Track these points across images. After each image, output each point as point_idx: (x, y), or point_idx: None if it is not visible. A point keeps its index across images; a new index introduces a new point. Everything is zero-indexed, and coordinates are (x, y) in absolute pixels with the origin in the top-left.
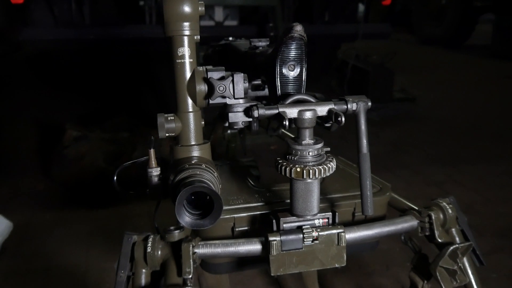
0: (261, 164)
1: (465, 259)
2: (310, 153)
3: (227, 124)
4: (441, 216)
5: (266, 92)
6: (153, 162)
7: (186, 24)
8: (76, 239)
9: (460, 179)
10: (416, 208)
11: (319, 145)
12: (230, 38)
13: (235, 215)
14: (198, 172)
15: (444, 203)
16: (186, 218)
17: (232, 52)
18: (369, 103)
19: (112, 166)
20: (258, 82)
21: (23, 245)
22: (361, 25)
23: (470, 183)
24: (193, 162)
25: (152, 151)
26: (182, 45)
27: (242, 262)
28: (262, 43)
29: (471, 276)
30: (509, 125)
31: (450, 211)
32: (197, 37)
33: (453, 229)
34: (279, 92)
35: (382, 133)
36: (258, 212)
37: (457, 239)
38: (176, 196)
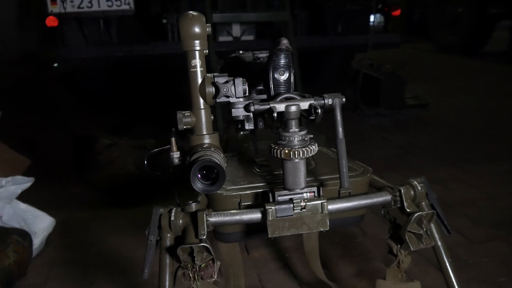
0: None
1: (432, 227)
2: (296, 139)
3: (240, 126)
4: (412, 192)
5: None
6: (174, 147)
7: (197, 41)
8: (110, 233)
9: (463, 177)
10: (391, 186)
11: (303, 132)
12: (241, 52)
13: (241, 193)
14: (208, 153)
15: (415, 182)
16: (199, 185)
17: (240, 63)
18: (344, 99)
19: (141, 170)
20: (261, 87)
21: (64, 238)
22: (371, 36)
23: (473, 181)
24: (204, 146)
25: (173, 139)
26: (195, 58)
27: (248, 232)
28: (262, 55)
29: (438, 241)
30: None
31: (419, 188)
32: (206, 51)
33: (423, 203)
34: (272, 92)
35: (392, 137)
36: (260, 190)
37: (426, 210)
38: (191, 169)
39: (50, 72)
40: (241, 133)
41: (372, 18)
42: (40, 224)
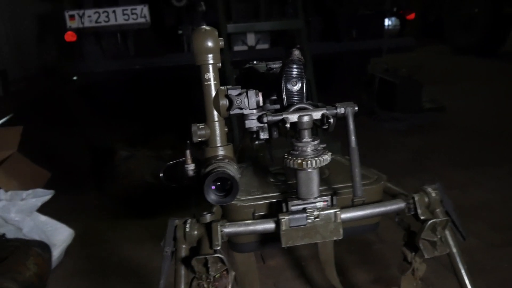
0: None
1: (447, 234)
2: (309, 149)
3: (254, 136)
4: (426, 199)
5: None
6: (189, 160)
7: (210, 55)
8: (128, 243)
9: (480, 181)
10: (405, 193)
11: (316, 142)
12: (255, 62)
13: (255, 203)
14: (222, 165)
15: (429, 189)
16: (212, 197)
17: (253, 73)
18: (356, 108)
19: (158, 180)
20: (275, 97)
21: (84, 249)
22: (386, 40)
23: (490, 184)
24: (218, 158)
25: (188, 151)
26: (208, 71)
27: (263, 242)
28: (275, 65)
29: (453, 248)
30: None
31: (433, 195)
32: (219, 64)
33: (438, 210)
34: (285, 103)
35: (408, 141)
36: (273, 200)
37: (441, 216)
38: (205, 181)
39: (69, 85)
40: (256, 142)
41: (387, 22)
42: (59, 235)
